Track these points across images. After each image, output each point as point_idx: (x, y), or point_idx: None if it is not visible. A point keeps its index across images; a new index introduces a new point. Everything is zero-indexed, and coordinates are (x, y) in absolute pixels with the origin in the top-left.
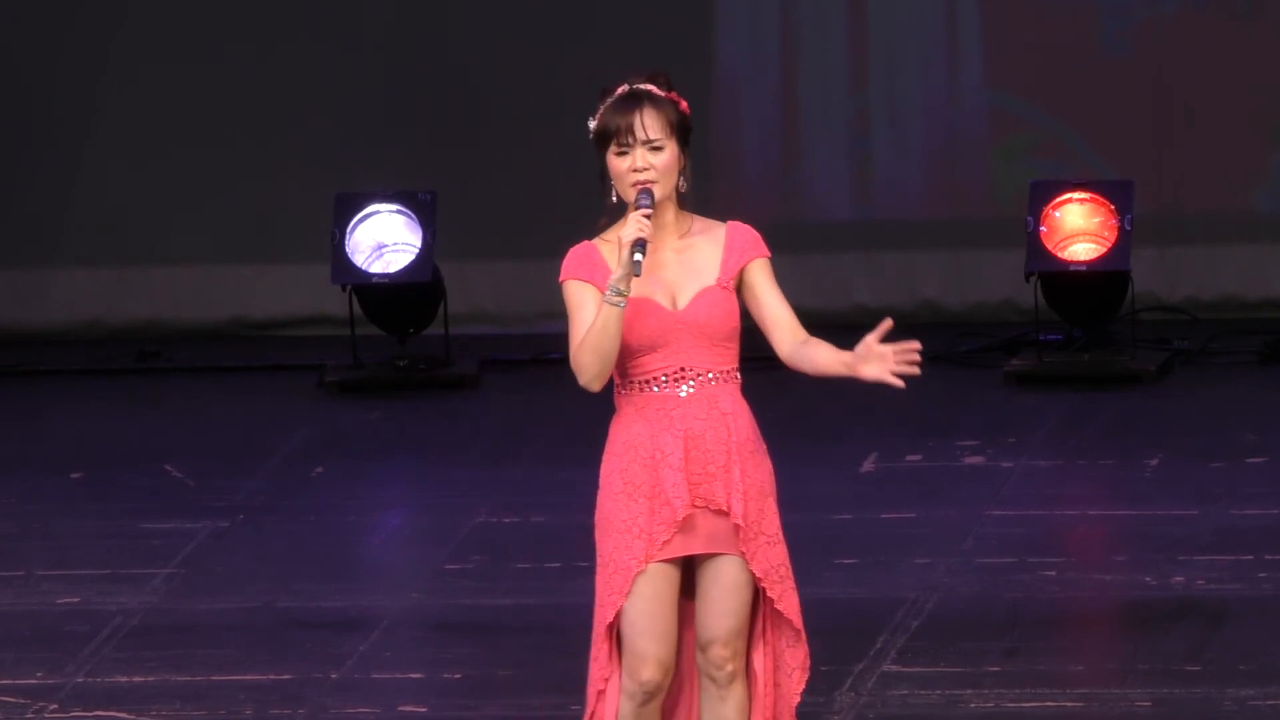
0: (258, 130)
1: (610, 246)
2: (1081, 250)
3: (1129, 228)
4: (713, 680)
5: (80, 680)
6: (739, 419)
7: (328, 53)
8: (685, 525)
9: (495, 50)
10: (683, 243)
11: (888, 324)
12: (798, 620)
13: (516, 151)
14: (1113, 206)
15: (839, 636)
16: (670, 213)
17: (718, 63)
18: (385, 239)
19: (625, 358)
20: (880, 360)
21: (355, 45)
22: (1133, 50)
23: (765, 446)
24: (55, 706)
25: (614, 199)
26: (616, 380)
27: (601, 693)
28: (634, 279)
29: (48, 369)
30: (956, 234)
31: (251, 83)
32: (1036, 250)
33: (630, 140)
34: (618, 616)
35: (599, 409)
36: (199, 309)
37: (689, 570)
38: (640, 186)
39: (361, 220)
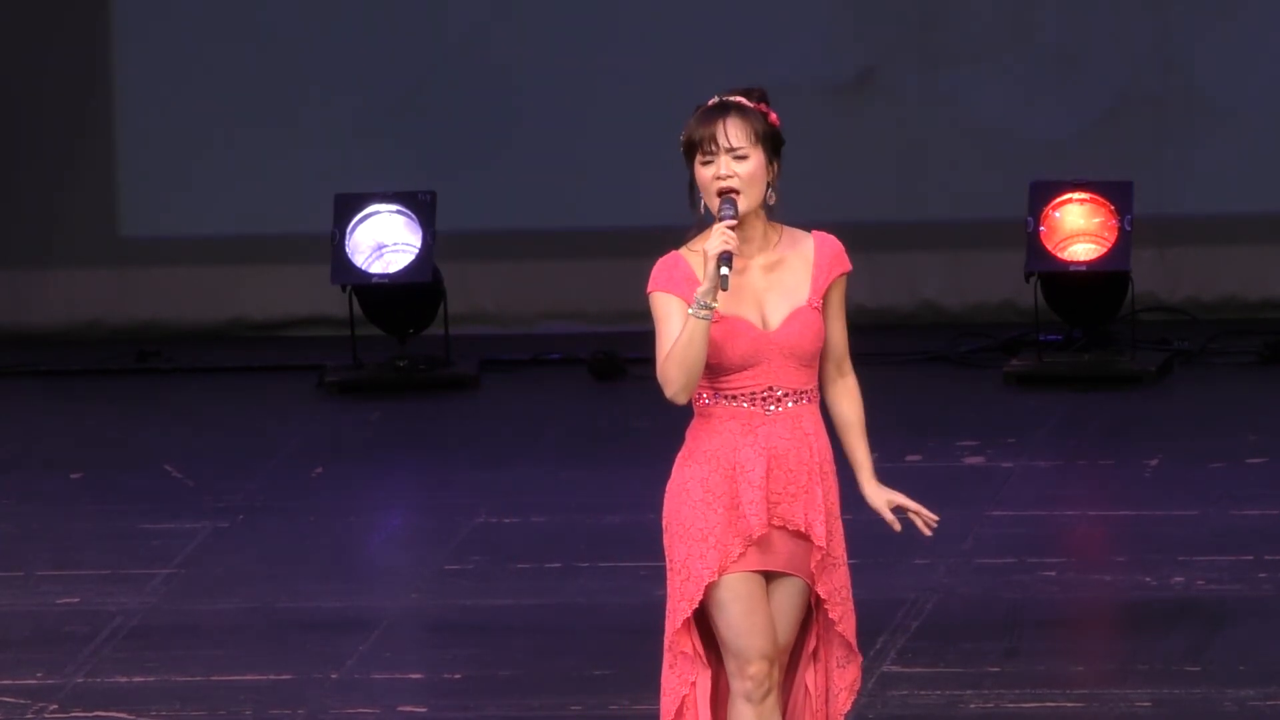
0: (257, 130)
1: (697, 257)
2: (1081, 250)
3: (1129, 228)
4: (745, 697)
5: (80, 680)
6: (820, 439)
7: (328, 52)
8: (762, 542)
9: (496, 50)
10: (772, 257)
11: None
12: (853, 641)
13: (517, 151)
14: (1113, 207)
15: None
16: (759, 226)
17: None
18: (385, 239)
19: (715, 372)
20: (894, 508)
21: (356, 45)
22: (1133, 50)
23: (836, 467)
24: (55, 707)
25: (701, 210)
26: (703, 391)
27: (687, 697)
28: (722, 292)
29: (48, 369)
30: (956, 234)
31: (251, 82)
32: (1036, 250)
33: (714, 149)
34: (689, 622)
35: (599, 409)
36: (199, 309)
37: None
38: (724, 194)
39: (361, 220)
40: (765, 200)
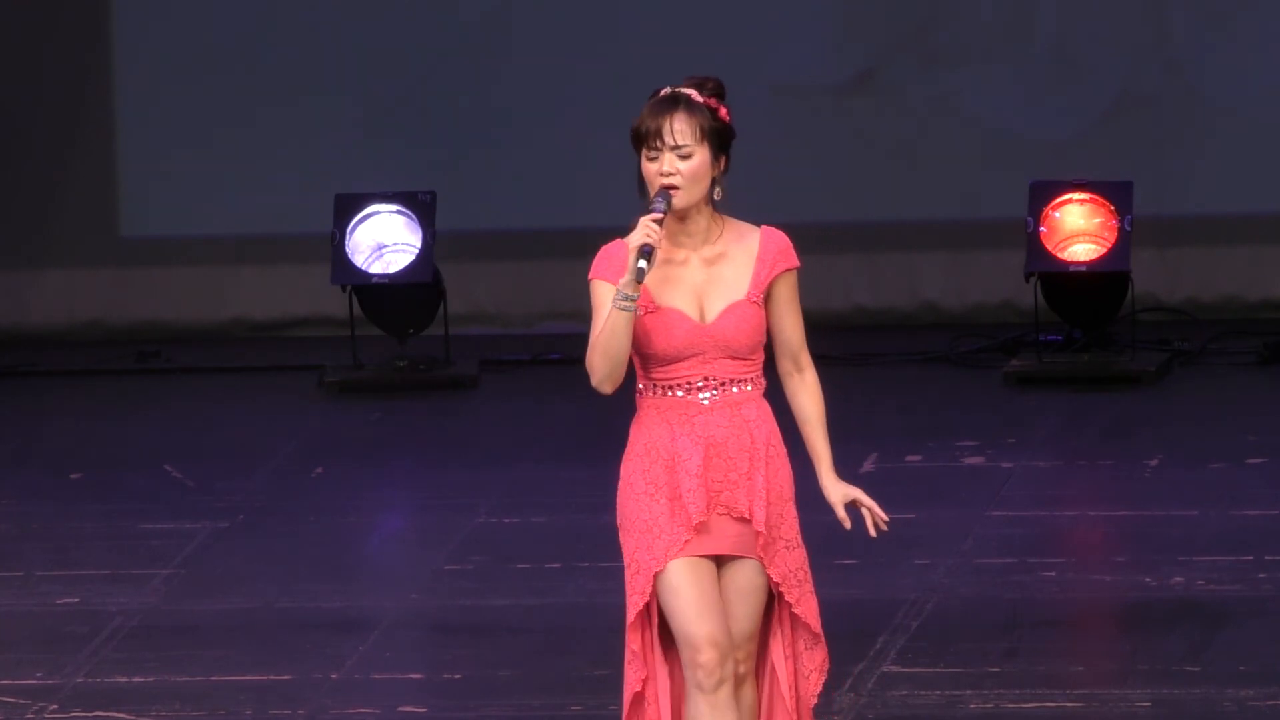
0: (257, 130)
1: None
2: (1081, 251)
3: (1129, 228)
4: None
5: (80, 681)
6: (762, 425)
7: (328, 52)
8: (707, 529)
9: (496, 50)
10: (715, 251)
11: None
12: (816, 624)
13: (516, 151)
14: (1112, 207)
15: (839, 637)
16: (702, 220)
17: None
18: (385, 239)
19: (650, 363)
20: (850, 507)
21: (356, 45)
22: (1133, 50)
23: (786, 451)
24: (55, 707)
25: (649, 200)
26: (640, 382)
27: (639, 694)
28: (664, 284)
29: (48, 369)
30: (956, 234)
31: (251, 82)
32: (1036, 251)
33: (659, 144)
34: (641, 617)
35: (598, 410)
36: (199, 309)
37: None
38: (664, 189)
39: (361, 220)
40: (710, 195)
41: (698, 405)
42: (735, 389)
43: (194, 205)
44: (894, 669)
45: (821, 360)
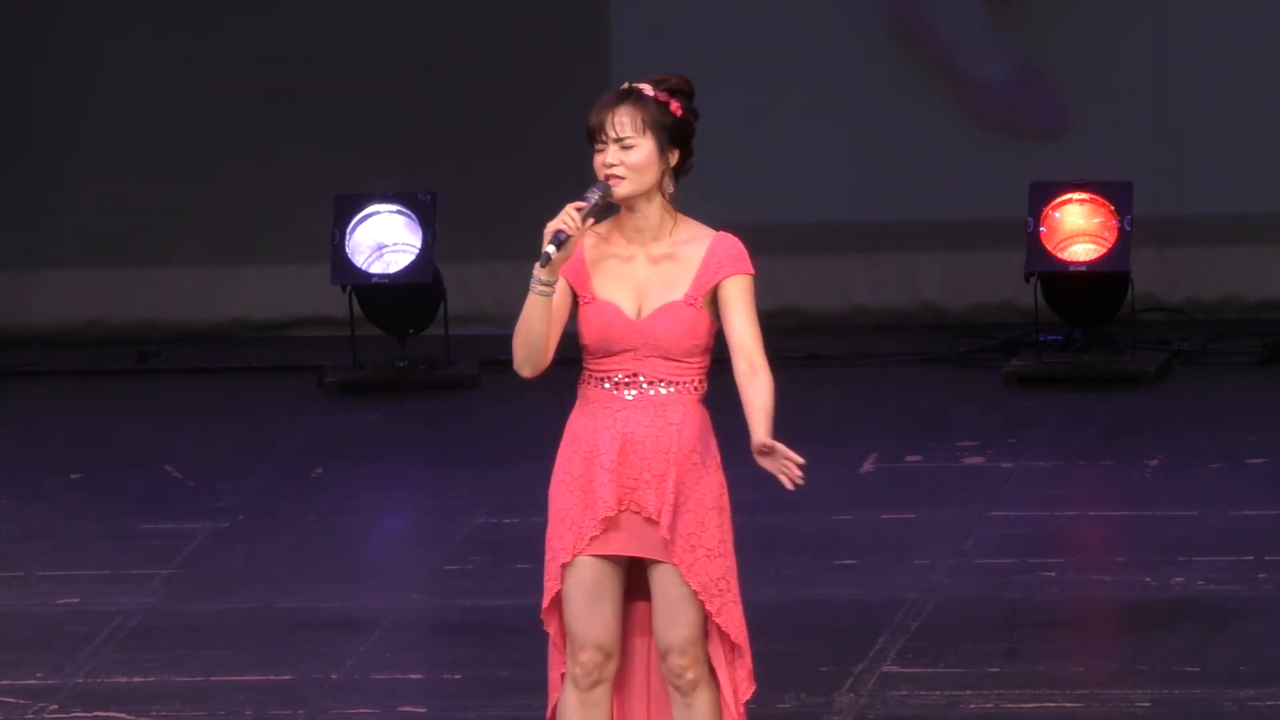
0: (257, 130)
1: (594, 239)
2: (1081, 251)
3: (1129, 228)
4: (676, 689)
5: (80, 681)
6: (687, 430)
7: (327, 53)
8: (616, 525)
9: (495, 50)
10: (664, 250)
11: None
12: (735, 634)
13: (516, 151)
14: (1112, 207)
15: (839, 637)
16: (653, 216)
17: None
18: (385, 239)
19: (586, 354)
20: (772, 462)
21: (355, 45)
22: (1133, 49)
23: (719, 460)
24: (55, 707)
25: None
26: (582, 370)
27: (558, 679)
28: (612, 278)
29: (48, 369)
30: (956, 234)
31: (251, 82)
32: (1036, 251)
33: (604, 138)
34: (554, 605)
35: None
36: (199, 309)
37: (644, 574)
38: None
39: (361, 221)
40: (661, 189)
41: (621, 400)
42: (664, 389)
43: (193, 205)
44: (894, 669)
45: (822, 360)
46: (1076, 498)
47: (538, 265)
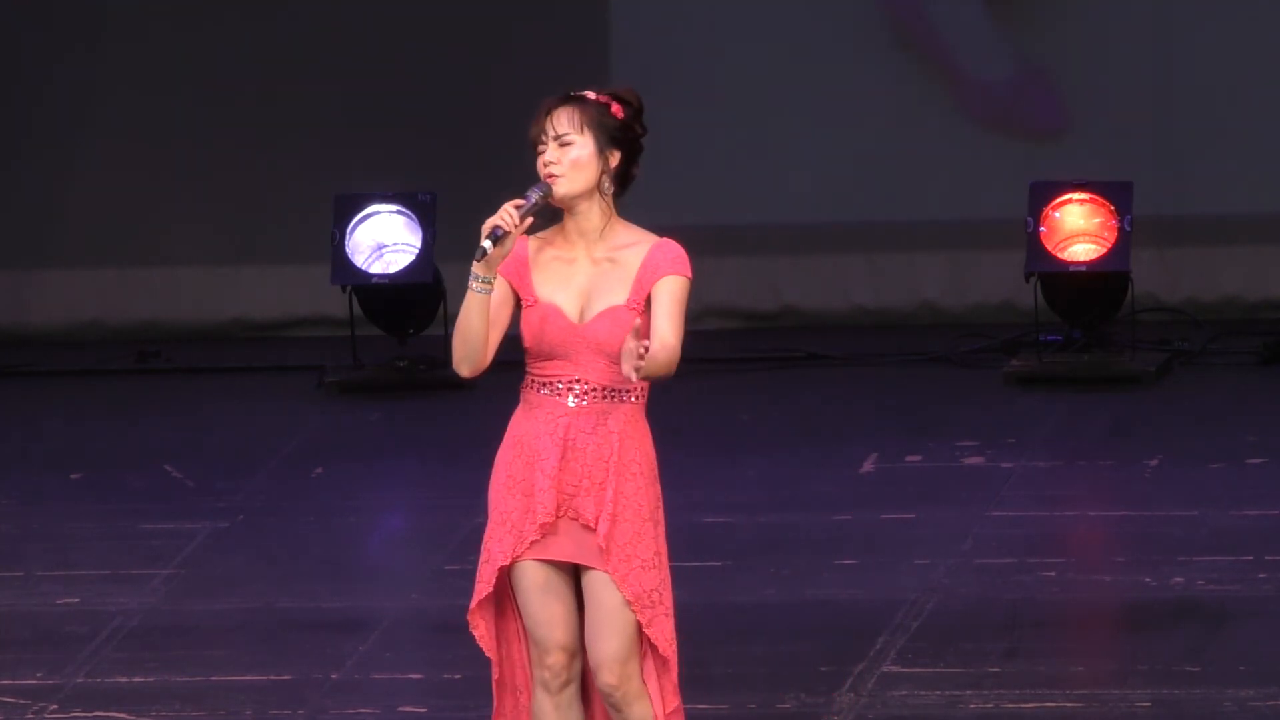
0: (257, 130)
1: (538, 243)
2: (1081, 251)
3: (1129, 228)
4: (610, 704)
5: (80, 681)
6: (627, 440)
7: (327, 53)
8: (555, 531)
9: (495, 50)
10: (606, 253)
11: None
12: (663, 648)
13: (517, 151)
14: (1112, 207)
15: (839, 637)
16: (594, 219)
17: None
18: (385, 239)
19: (528, 357)
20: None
21: (355, 45)
22: (1133, 49)
23: (656, 472)
24: (55, 707)
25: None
26: (525, 373)
27: (499, 680)
28: (555, 281)
29: (48, 369)
30: (956, 234)
31: (251, 82)
32: (1036, 251)
33: (544, 139)
34: (486, 606)
35: None
36: (199, 309)
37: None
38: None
39: (361, 221)
40: (601, 191)
41: (564, 407)
42: (606, 397)
43: (193, 205)
44: (894, 669)
45: (822, 360)
46: (1076, 498)
47: (475, 262)
